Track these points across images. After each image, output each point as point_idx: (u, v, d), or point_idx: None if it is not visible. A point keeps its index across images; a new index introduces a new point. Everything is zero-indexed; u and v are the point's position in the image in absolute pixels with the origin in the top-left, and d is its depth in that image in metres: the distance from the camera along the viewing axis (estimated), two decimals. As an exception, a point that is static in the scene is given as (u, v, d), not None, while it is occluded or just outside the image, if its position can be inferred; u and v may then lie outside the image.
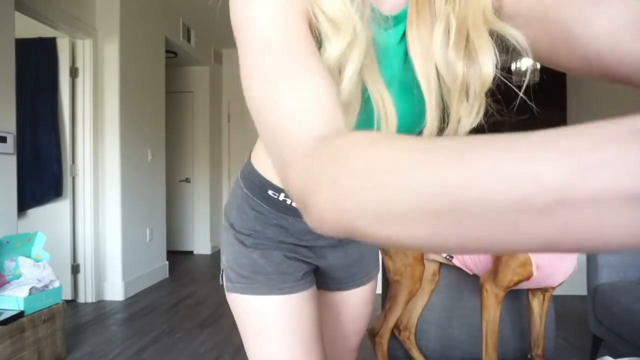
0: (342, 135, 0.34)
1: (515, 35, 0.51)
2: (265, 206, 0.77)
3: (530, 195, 0.20)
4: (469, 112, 0.56)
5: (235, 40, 0.46)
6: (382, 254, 1.39)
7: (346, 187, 0.28)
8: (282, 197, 0.75)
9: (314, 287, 0.82)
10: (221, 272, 0.82)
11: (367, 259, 0.92)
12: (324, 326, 0.89)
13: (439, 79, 0.56)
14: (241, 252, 0.77)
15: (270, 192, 0.76)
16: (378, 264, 0.96)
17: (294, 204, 0.69)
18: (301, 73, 0.41)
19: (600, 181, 0.19)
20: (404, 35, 0.57)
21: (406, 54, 0.57)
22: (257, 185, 0.77)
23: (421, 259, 1.33)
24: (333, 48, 0.46)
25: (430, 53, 0.55)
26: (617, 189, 0.19)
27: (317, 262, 0.82)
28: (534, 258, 1.15)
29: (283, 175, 0.39)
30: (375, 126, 0.53)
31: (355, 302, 0.91)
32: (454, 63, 0.54)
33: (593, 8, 0.44)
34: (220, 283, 0.83)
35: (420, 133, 0.60)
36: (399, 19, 0.56)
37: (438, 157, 0.24)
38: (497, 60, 0.54)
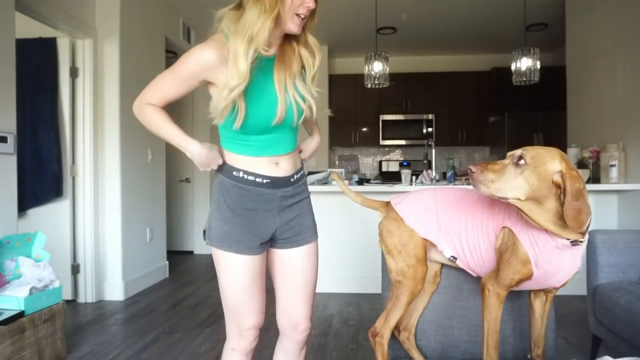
0: (152, 107, 1.26)
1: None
2: (232, 181, 1.27)
3: (177, 145, 1.27)
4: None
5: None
6: (384, 254, 1.38)
7: (141, 115, 1.29)
8: (241, 174, 1.26)
9: (265, 252, 1.32)
10: (203, 232, 1.33)
11: (306, 221, 1.37)
12: (278, 280, 1.38)
13: (287, 91, 1.23)
14: (221, 223, 1.28)
15: (234, 172, 1.27)
16: (316, 231, 1.40)
17: (249, 177, 1.25)
18: (168, 91, 1.28)
19: (197, 157, 1.25)
20: (272, 67, 1.24)
21: (272, 77, 1.22)
22: (226, 169, 1.28)
23: (424, 260, 1.33)
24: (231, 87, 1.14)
25: (283, 80, 1.23)
26: (190, 151, 1.26)
27: (267, 227, 1.28)
28: (532, 256, 1.15)
29: (137, 101, 1.30)
30: (232, 116, 1.19)
31: (299, 258, 1.35)
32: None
33: None
34: (204, 239, 1.32)
35: (274, 119, 1.21)
36: (272, 59, 1.23)
37: (163, 122, 1.25)
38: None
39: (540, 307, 1.29)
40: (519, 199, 1.09)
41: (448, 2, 4.87)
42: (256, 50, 1.13)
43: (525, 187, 1.08)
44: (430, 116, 6.52)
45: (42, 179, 3.50)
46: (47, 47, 3.55)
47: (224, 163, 1.27)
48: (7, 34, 2.71)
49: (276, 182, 1.27)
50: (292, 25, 1.18)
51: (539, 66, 4.41)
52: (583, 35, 4.33)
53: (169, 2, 4.72)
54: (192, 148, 1.22)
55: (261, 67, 1.19)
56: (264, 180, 1.25)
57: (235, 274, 1.26)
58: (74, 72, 3.63)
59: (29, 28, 3.37)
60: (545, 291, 1.27)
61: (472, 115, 6.55)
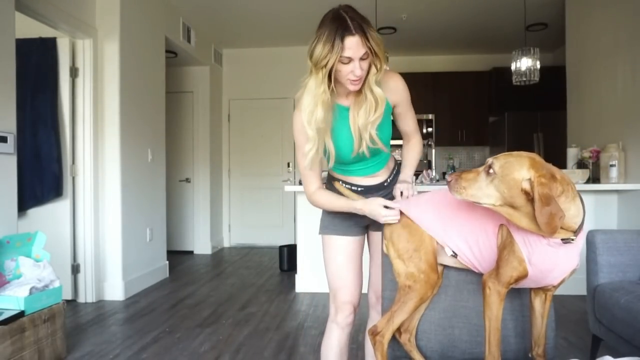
0: (316, 190, 1.61)
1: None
2: (335, 187, 1.66)
3: (347, 209, 1.53)
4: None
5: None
6: (392, 258, 1.37)
7: (318, 204, 1.63)
8: (339, 183, 1.65)
9: (362, 237, 1.69)
10: (319, 228, 1.70)
11: None
12: (370, 259, 1.76)
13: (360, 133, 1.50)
14: (327, 216, 1.66)
15: (335, 183, 1.65)
16: None
17: (346, 186, 1.63)
18: (313, 168, 1.57)
19: (363, 210, 1.47)
20: (347, 114, 1.52)
21: (348, 123, 1.52)
22: (332, 178, 1.69)
23: (435, 266, 1.33)
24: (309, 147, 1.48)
25: (355, 124, 1.50)
26: (357, 210, 1.50)
27: (363, 220, 1.58)
28: (525, 254, 1.16)
29: (306, 195, 1.65)
30: (326, 156, 1.53)
31: (377, 242, 1.70)
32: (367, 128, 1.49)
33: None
34: (319, 233, 1.70)
35: (352, 153, 1.54)
36: (348, 108, 1.52)
37: (333, 199, 1.58)
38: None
39: (540, 306, 1.30)
40: (494, 205, 1.12)
41: (448, 2, 4.87)
42: (316, 123, 1.42)
43: (496, 194, 1.10)
44: (430, 116, 6.52)
45: (42, 179, 3.50)
46: (47, 47, 3.56)
47: (333, 178, 1.68)
48: (7, 34, 2.71)
49: (370, 189, 1.62)
50: (351, 87, 1.42)
51: (538, 66, 4.41)
52: (583, 35, 4.33)
53: (169, 2, 4.72)
54: (357, 205, 1.48)
55: (341, 117, 1.51)
56: (359, 189, 1.62)
57: (334, 252, 1.62)
58: (74, 72, 3.63)
59: (29, 28, 3.37)
60: (544, 290, 1.28)
61: (472, 115, 6.55)
